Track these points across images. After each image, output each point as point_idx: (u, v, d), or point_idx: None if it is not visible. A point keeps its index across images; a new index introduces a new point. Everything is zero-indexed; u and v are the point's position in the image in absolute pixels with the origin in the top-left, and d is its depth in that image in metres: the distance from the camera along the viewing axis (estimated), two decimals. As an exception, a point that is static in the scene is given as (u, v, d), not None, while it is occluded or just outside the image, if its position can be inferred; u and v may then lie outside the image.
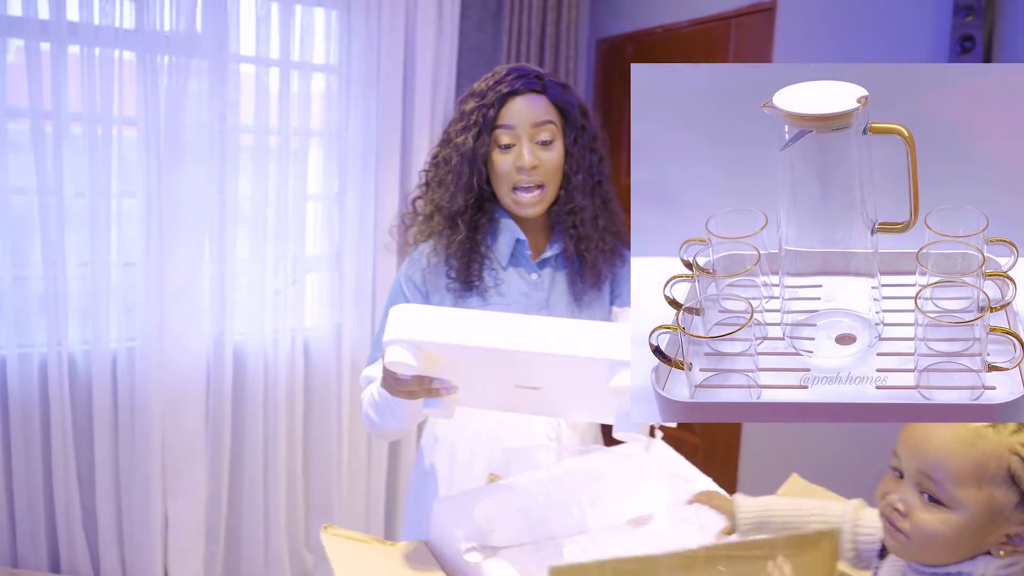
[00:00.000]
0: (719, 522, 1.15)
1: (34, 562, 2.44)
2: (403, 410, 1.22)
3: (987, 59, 1.90)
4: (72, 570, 2.50)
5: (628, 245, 1.51)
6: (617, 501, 1.20)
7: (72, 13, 2.34)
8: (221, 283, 2.63)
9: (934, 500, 0.87)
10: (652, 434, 1.36)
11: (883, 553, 1.02)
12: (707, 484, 1.23)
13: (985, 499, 0.84)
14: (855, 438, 2.30)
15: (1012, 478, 0.84)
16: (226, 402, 2.65)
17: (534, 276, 1.40)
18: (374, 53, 2.77)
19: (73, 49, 2.35)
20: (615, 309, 1.48)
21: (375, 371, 1.32)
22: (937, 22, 2.05)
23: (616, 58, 3.16)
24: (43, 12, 2.29)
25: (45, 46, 2.31)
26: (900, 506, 0.90)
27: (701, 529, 1.14)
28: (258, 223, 2.67)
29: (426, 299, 1.39)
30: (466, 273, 1.34)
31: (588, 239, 1.38)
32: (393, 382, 1.09)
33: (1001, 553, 0.87)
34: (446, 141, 1.38)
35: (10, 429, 2.37)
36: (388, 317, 1.04)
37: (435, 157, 1.40)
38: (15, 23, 2.27)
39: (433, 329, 1.01)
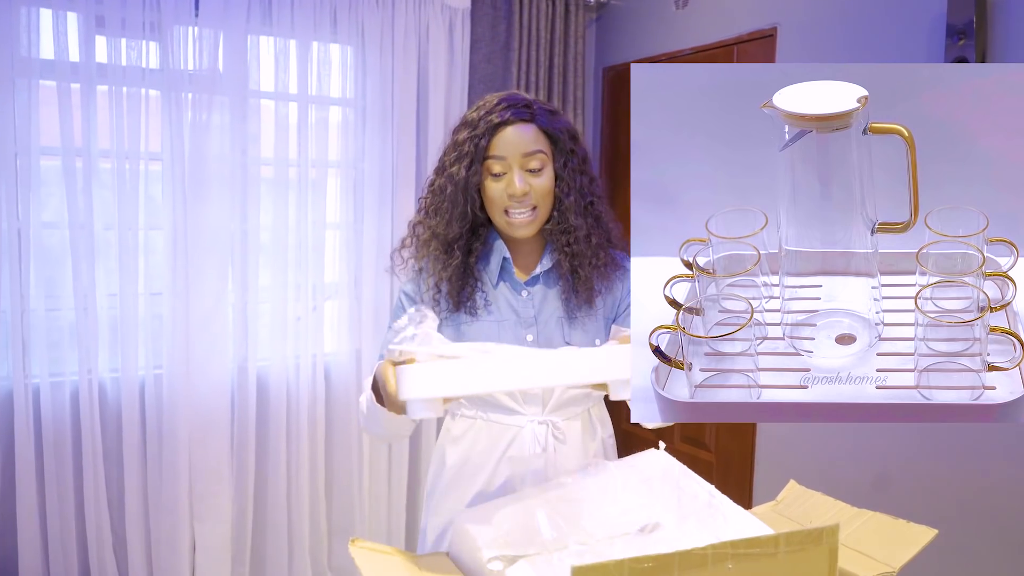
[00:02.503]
0: (727, 528, 1.19)
1: (66, 585, 2.50)
2: (389, 423, 1.30)
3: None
4: (103, 593, 2.56)
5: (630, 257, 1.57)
6: (626, 511, 1.24)
7: (101, 55, 2.45)
8: (244, 311, 2.72)
9: None
10: (656, 445, 1.41)
11: None
12: (709, 491, 1.27)
13: None
14: (862, 450, 2.34)
15: None
16: (250, 427, 2.72)
17: (524, 293, 1.46)
18: (388, 86, 2.87)
19: (102, 88, 2.46)
20: (615, 327, 1.53)
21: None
22: (931, 45, 2.12)
23: (622, 85, 3.25)
24: (74, 55, 2.40)
25: (76, 86, 2.42)
26: None
27: (711, 535, 1.18)
28: (279, 252, 2.76)
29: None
30: (458, 295, 1.42)
31: (582, 256, 1.43)
32: (388, 400, 1.18)
33: None
34: (441, 170, 1.44)
35: (43, 455, 2.45)
36: (402, 374, 1.14)
37: (431, 185, 1.46)
38: (47, 65, 2.39)
39: (445, 385, 1.13)
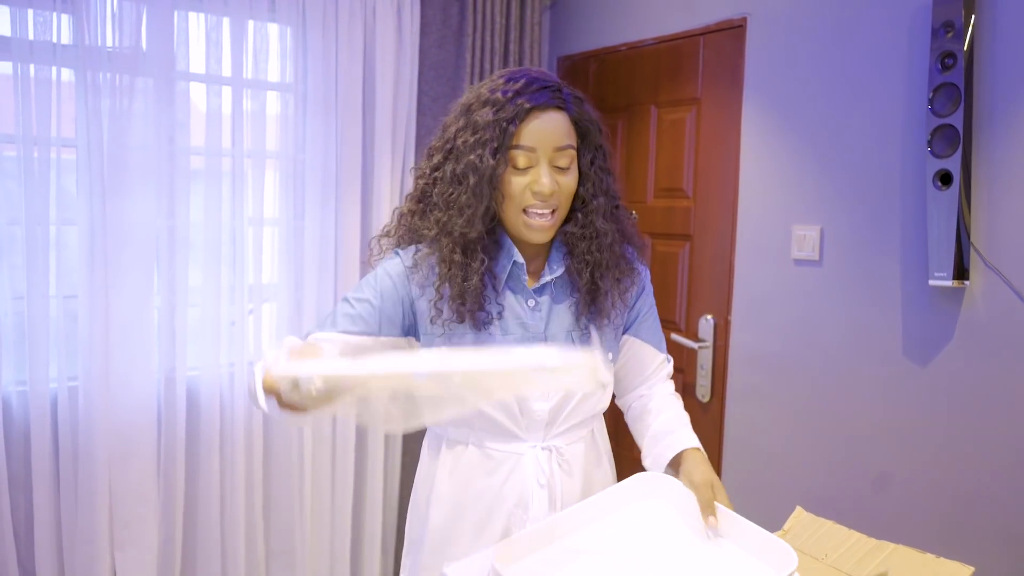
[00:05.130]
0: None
1: (-35, 628, 2.22)
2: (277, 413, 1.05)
3: (968, 77, 1.88)
4: (8, 634, 2.28)
5: (647, 265, 1.42)
6: (633, 536, 1.12)
7: (3, 27, 2.17)
8: (171, 315, 2.46)
9: None
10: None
11: None
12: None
13: None
14: (831, 453, 2.26)
15: None
16: (179, 444, 2.47)
17: (531, 303, 1.28)
18: (332, 71, 2.65)
19: (4, 65, 2.18)
20: (630, 339, 1.39)
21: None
22: (915, 40, 2.03)
23: (579, 76, 3.10)
24: (-29, 26, 2.11)
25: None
26: None
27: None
28: (210, 250, 2.51)
29: (401, 303, 1.25)
30: (468, 305, 1.21)
31: (604, 266, 1.27)
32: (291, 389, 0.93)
33: None
34: (452, 152, 1.23)
35: (-64, 482, 2.16)
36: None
37: (437, 169, 1.25)
38: (-60, 38, 2.10)
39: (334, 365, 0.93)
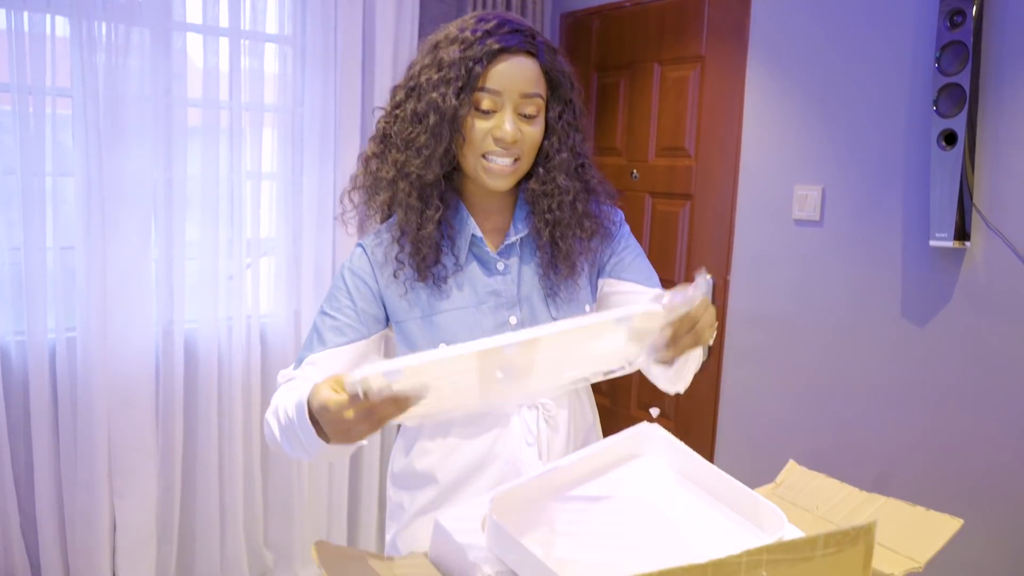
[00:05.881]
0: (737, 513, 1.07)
1: (-33, 572, 2.25)
2: (318, 449, 1.01)
3: (977, 35, 1.85)
4: (10, 578, 2.31)
5: (619, 208, 1.36)
6: (625, 492, 1.12)
7: (-3, -27, 2.13)
8: (169, 268, 2.46)
9: None
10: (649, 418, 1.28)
11: None
12: (710, 468, 1.15)
13: None
14: (824, 416, 2.27)
15: None
16: (177, 395, 2.48)
17: (500, 266, 1.23)
18: (331, 23, 2.62)
19: (-1, 15, 2.15)
20: (611, 281, 1.32)
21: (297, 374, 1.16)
22: (920, 27, 1.99)
23: (582, 33, 3.06)
24: (-36, -28, 2.08)
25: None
26: None
27: (722, 516, 1.07)
28: (208, 204, 2.50)
29: (376, 297, 1.23)
30: (427, 259, 1.18)
31: (565, 225, 1.21)
32: (334, 414, 0.88)
33: None
34: (414, 91, 1.16)
35: (-63, 430, 2.17)
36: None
37: (398, 106, 1.18)
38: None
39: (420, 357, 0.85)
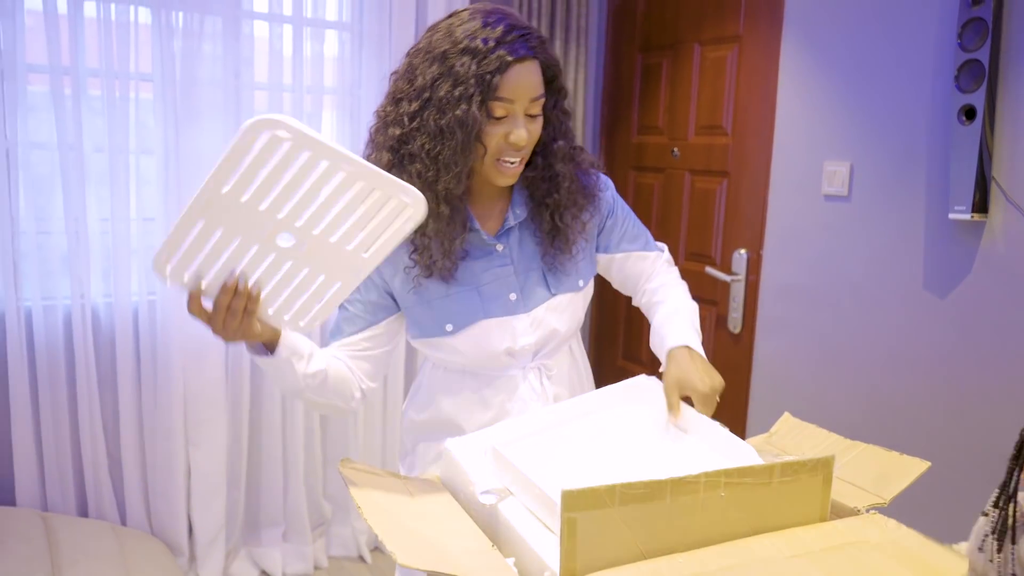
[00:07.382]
0: (720, 454, 1.19)
1: (63, 507, 2.53)
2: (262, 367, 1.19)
3: (998, 12, 1.89)
4: (99, 515, 2.59)
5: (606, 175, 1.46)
6: (615, 431, 1.25)
7: (86, -30, 2.36)
8: (238, 239, 2.68)
9: None
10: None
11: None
12: (700, 416, 1.27)
13: None
14: (859, 384, 2.35)
15: None
16: (244, 354, 2.72)
17: (500, 248, 1.32)
18: (386, 11, 2.78)
19: (89, 7, 2.38)
20: (613, 256, 1.46)
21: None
22: (944, 4, 2.04)
23: (627, 14, 3.15)
24: (59, -30, 2.31)
25: (62, 6, 2.34)
26: None
27: (705, 460, 1.19)
28: (273, 180, 2.71)
29: (383, 291, 1.32)
30: (450, 259, 1.25)
31: (563, 206, 1.30)
32: (204, 319, 1.06)
33: None
34: (431, 102, 1.17)
35: (37, 378, 2.45)
36: None
37: (417, 118, 1.19)
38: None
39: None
